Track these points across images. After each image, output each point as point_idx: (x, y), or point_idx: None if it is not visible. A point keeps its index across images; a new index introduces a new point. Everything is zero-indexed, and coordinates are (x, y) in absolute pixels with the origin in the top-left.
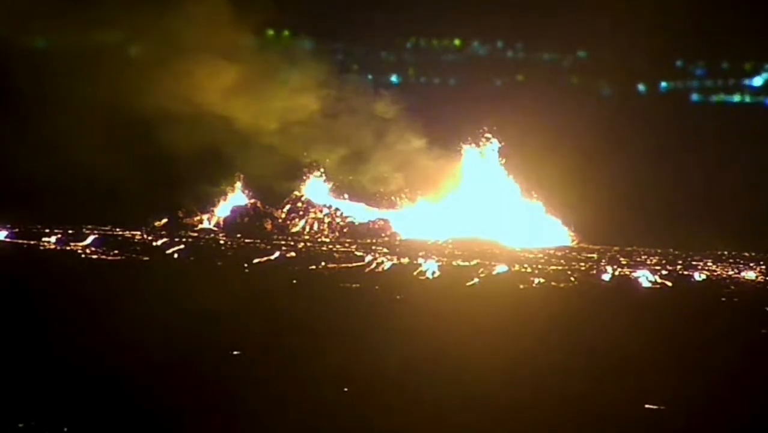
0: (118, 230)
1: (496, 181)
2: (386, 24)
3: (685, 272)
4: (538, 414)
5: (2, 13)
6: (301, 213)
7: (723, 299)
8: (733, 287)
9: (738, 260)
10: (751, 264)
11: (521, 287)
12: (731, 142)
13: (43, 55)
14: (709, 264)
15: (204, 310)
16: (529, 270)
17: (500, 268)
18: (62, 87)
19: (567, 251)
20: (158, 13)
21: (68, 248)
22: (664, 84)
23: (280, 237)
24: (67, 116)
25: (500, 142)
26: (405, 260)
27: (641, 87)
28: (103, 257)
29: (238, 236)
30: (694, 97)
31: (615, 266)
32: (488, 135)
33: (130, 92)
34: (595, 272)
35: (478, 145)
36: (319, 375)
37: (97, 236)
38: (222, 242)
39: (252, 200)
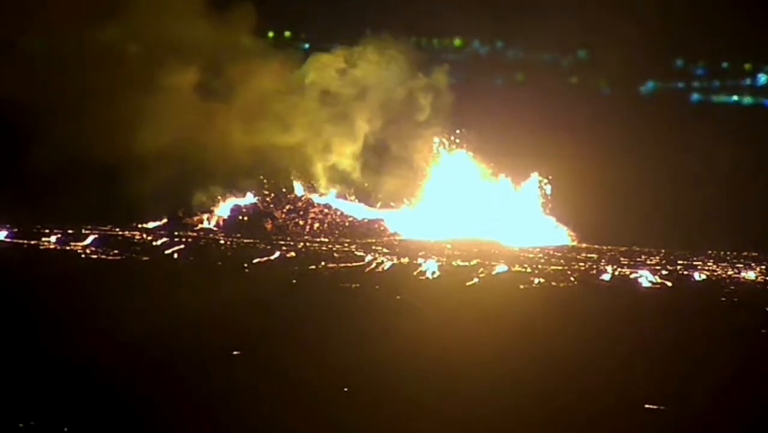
0: (117, 229)
1: (495, 181)
2: (385, 23)
3: (685, 272)
4: (538, 414)
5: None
6: (301, 213)
7: (723, 299)
8: (733, 287)
9: (738, 259)
10: (751, 264)
11: (521, 287)
12: (731, 142)
13: (42, 55)
14: (709, 264)
15: (204, 310)
16: (529, 270)
17: (500, 268)
18: (60, 86)
19: (567, 251)
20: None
21: (68, 248)
22: (663, 84)
23: (280, 237)
24: (66, 116)
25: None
26: (405, 260)
27: (641, 87)
28: (103, 257)
29: (238, 235)
30: (694, 97)
31: (615, 266)
32: (488, 135)
33: (128, 92)
34: (595, 272)
35: (478, 146)
36: (319, 375)
37: (97, 236)
38: (222, 242)
39: (252, 200)
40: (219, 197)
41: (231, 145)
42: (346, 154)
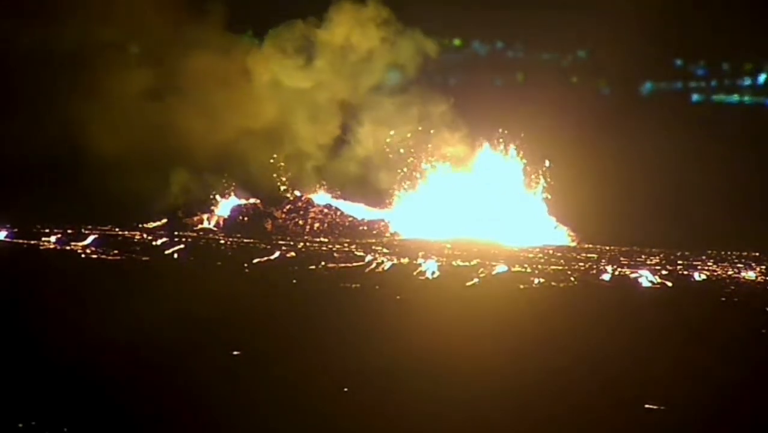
0: (117, 229)
1: (496, 180)
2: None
3: (685, 272)
4: (538, 414)
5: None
6: (301, 213)
7: (723, 299)
8: (733, 287)
9: (738, 259)
10: (751, 264)
11: (521, 287)
12: (731, 142)
13: (40, 53)
14: (709, 264)
15: (204, 310)
16: (529, 270)
17: (500, 268)
18: (61, 84)
19: (567, 251)
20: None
21: (68, 248)
22: (663, 84)
23: (280, 237)
24: (67, 114)
25: (500, 142)
26: (405, 260)
27: (641, 87)
28: (103, 256)
29: (238, 235)
30: (694, 97)
31: (615, 266)
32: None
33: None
34: (595, 272)
35: (477, 145)
36: (318, 375)
37: (97, 236)
38: (222, 242)
39: (252, 200)
40: (214, 195)
41: (196, 141)
42: (310, 140)
